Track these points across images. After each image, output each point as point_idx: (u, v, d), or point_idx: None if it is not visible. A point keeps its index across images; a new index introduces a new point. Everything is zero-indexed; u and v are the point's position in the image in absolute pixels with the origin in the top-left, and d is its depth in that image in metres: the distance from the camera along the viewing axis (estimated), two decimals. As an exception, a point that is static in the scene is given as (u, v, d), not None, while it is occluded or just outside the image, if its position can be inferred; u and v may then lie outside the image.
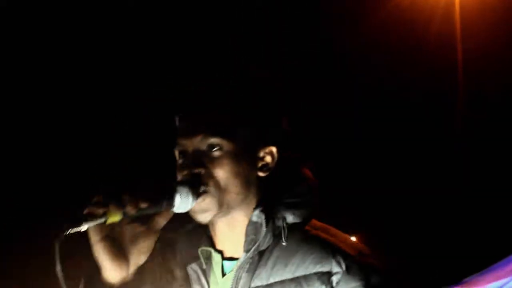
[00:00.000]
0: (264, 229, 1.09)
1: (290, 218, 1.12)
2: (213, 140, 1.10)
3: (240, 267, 1.09)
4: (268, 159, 1.14)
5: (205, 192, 1.10)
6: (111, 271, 1.07)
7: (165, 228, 1.14)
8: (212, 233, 1.17)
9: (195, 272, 1.16)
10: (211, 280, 1.14)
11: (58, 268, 0.96)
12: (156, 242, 1.12)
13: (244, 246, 1.10)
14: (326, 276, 1.05)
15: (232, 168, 1.11)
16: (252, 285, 1.09)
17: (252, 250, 1.09)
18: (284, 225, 1.11)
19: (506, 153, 8.15)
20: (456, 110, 7.86)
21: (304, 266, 1.05)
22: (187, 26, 7.00)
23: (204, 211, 1.11)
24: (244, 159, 1.12)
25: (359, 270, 1.05)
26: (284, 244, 1.08)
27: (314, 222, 1.15)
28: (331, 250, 1.07)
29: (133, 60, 7.26)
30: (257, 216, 1.10)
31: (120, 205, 1.05)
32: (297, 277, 1.06)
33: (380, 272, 1.06)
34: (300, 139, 1.18)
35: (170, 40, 7.09)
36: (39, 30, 7.05)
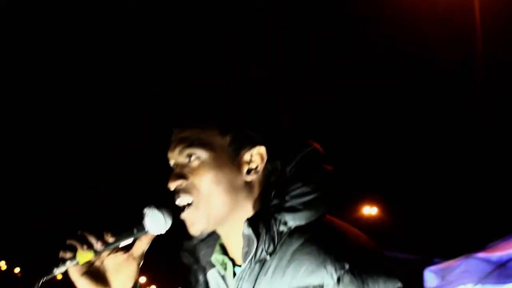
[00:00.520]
0: (255, 241, 1.03)
1: (291, 223, 1.05)
2: (189, 150, 1.08)
3: (239, 278, 1.06)
4: (257, 160, 1.08)
5: (189, 204, 1.08)
6: None
7: (188, 237, 1.13)
8: (224, 241, 1.14)
9: (214, 278, 1.16)
10: (230, 286, 1.13)
11: None
12: (138, 266, 1.12)
13: (242, 258, 1.06)
14: None
15: (212, 176, 1.07)
16: None
17: (247, 262, 1.05)
18: (281, 230, 1.05)
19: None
20: (475, 80, 7.40)
21: (298, 276, 1.00)
22: (187, 26, 7.19)
23: (192, 223, 1.09)
24: (226, 165, 1.08)
25: (351, 281, 0.97)
26: (267, 258, 1.04)
27: (326, 220, 1.07)
28: (323, 259, 0.99)
29: (133, 60, 7.38)
30: (246, 229, 1.04)
31: (87, 245, 1.06)
32: None
33: (375, 281, 0.97)
34: (305, 132, 1.14)
35: (169, 40, 7.21)
36: (39, 30, 7.22)
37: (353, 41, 8.00)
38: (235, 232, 1.07)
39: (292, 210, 1.05)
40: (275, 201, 1.06)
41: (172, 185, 1.07)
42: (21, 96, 7.53)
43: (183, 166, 1.08)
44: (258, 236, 1.03)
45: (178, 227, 1.11)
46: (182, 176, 1.07)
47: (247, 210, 1.08)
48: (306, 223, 1.05)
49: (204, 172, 1.07)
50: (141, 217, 1.08)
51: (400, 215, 9.58)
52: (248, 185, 1.08)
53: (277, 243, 1.04)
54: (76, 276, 1.07)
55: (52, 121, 7.88)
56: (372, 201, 10.75)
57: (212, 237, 1.15)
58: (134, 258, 1.11)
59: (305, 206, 1.05)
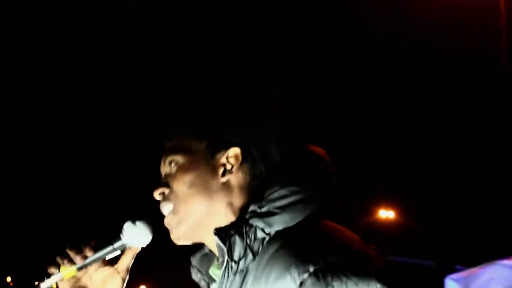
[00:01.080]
0: (225, 251, 1.02)
1: (268, 228, 1.02)
2: (170, 158, 1.10)
3: None
4: (232, 162, 1.08)
5: (170, 211, 1.10)
6: None
7: (194, 253, 1.16)
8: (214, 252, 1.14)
9: None
10: None
11: None
12: (124, 281, 1.16)
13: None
14: None
15: (187, 179, 1.08)
16: None
17: (221, 274, 1.03)
18: (260, 237, 1.02)
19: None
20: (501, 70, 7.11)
21: (269, 284, 0.97)
22: (187, 26, 7.05)
23: (171, 229, 1.10)
24: (202, 167, 1.08)
25: (312, 284, 0.92)
26: (249, 267, 1.02)
27: (314, 223, 1.03)
28: (289, 263, 0.95)
29: (133, 60, 7.28)
30: (215, 238, 1.03)
31: (68, 260, 1.11)
32: None
33: (342, 283, 0.91)
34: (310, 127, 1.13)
35: (169, 40, 7.12)
36: (39, 30, 7.09)
37: (362, 38, 7.91)
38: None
39: (268, 214, 1.03)
40: (252, 207, 1.04)
41: (155, 194, 1.10)
42: (21, 96, 7.48)
43: (167, 175, 1.11)
44: (228, 245, 1.02)
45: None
46: (165, 184, 1.09)
47: (227, 216, 1.07)
48: (286, 227, 1.02)
49: (180, 175, 1.08)
50: (120, 231, 1.11)
51: (420, 219, 9.38)
52: (225, 188, 1.08)
53: (257, 251, 1.02)
54: None
55: (52, 121, 7.71)
56: (388, 204, 10.53)
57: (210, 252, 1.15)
58: (119, 272, 1.15)
59: (283, 210, 1.03)
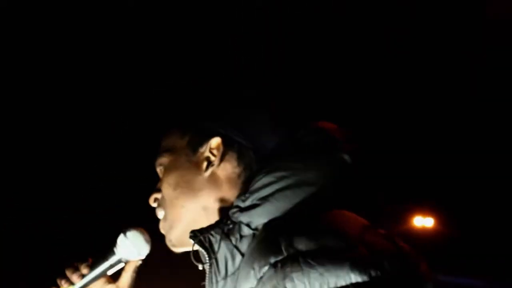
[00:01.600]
0: (205, 254, 0.95)
1: (253, 223, 0.94)
2: (157, 161, 1.08)
3: None
4: (215, 153, 1.03)
5: (162, 216, 1.07)
6: None
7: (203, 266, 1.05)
8: None
9: None
10: None
11: None
12: None
13: None
14: None
15: (170, 181, 1.05)
16: None
17: (207, 280, 0.97)
18: (246, 234, 0.93)
19: None
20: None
21: (240, 283, 0.89)
22: (187, 26, 6.94)
23: (165, 235, 1.07)
24: (185, 165, 1.04)
25: (269, 278, 0.82)
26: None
27: (311, 211, 0.90)
28: (254, 258, 0.86)
29: (133, 60, 7.21)
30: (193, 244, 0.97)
31: (66, 279, 1.11)
32: None
33: (303, 275, 0.78)
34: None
35: (169, 41, 7.03)
36: (39, 30, 6.99)
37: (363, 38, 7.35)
38: None
39: (252, 207, 0.96)
40: (236, 201, 0.99)
41: (150, 202, 1.10)
42: (21, 96, 7.33)
43: (160, 179, 1.10)
44: (208, 247, 0.95)
45: None
46: (157, 189, 1.08)
47: (221, 213, 1.01)
48: (272, 218, 0.94)
49: (165, 178, 1.06)
50: (113, 244, 1.10)
51: (462, 228, 8.55)
52: (212, 182, 1.03)
53: (245, 249, 0.95)
54: None
55: (51, 121, 7.53)
56: (426, 209, 9.55)
57: None
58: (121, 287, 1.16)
59: (266, 200, 0.95)
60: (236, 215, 0.95)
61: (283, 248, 0.82)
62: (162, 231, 1.06)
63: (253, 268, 0.84)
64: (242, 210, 0.95)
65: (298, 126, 1.02)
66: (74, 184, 7.47)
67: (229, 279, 0.94)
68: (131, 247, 1.09)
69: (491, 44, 7.45)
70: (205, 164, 1.03)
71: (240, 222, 0.94)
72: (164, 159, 1.07)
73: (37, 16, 7.01)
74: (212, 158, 1.02)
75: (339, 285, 0.78)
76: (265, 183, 0.95)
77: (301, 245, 0.81)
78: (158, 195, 1.06)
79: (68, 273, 1.11)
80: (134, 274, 1.13)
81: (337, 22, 7.34)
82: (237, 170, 1.01)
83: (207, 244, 0.93)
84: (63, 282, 1.11)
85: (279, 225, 0.90)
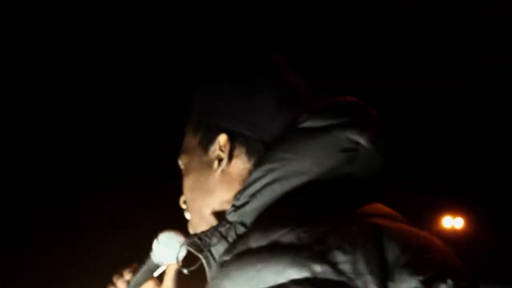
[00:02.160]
0: (203, 261, 0.93)
1: (247, 222, 0.91)
2: (179, 160, 1.09)
3: None
4: (224, 150, 1.00)
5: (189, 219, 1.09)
6: None
7: None
8: None
9: None
10: None
11: None
12: None
13: None
14: None
15: (188, 184, 1.05)
16: None
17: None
18: (240, 233, 0.90)
19: None
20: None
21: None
22: (187, 26, 7.18)
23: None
24: (198, 167, 1.03)
25: (215, 276, 0.83)
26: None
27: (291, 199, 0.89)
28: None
29: (133, 60, 7.46)
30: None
31: (114, 286, 1.17)
32: None
33: (241, 273, 0.77)
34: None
35: (169, 40, 7.25)
36: (39, 30, 7.26)
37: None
38: None
39: (242, 206, 0.95)
40: (233, 200, 0.97)
41: (180, 204, 1.11)
42: (21, 96, 7.68)
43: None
44: (205, 251, 0.94)
45: None
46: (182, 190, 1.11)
47: None
48: (259, 215, 0.92)
49: (184, 180, 1.08)
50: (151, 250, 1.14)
51: (497, 229, 8.16)
52: (225, 181, 1.02)
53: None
54: None
55: (51, 121, 7.94)
56: (455, 209, 9.16)
57: None
58: None
59: (253, 196, 0.94)
60: (231, 215, 0.95)
61: (237, 246, 0.84)
62: (190, 232, 1.08)
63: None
64: (236, 209, 0.95)
65: (304, 108, 0.98)
66: (76, 183, 7.62)
67: None
68: (165, 250, 1.11)
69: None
70: (216, 163, 1.02)
71: (234, 222, 0.94)
72: (182, 160, 1.08)
73: (37, 16, 7.22)
74: (222, 155, 1.01)
75: (279, 282, 0.74)
76: (255, 178, 0.94)
77: (254, 242, 0.82)
78: (183, 197, 1.09)
79: (114, 279, 1.17)
80: (175, 276, 1.16)
81: (339, 22, 7.43)
82: (248, 165, 1.00)
83: (202, 247, 0.93)
84: (118, 281, 1.18)
85: (255, 222, 0.91)
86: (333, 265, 0.73)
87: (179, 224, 1.16)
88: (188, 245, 0.94)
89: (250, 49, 1.08)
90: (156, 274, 1.18)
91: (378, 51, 7.75)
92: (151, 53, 7.30)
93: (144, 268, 1.16)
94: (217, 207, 1.00)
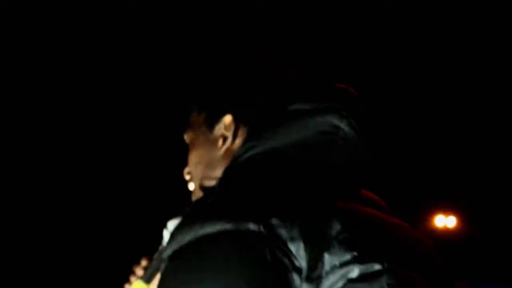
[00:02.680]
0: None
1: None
2: (184, 135, 1.14)
3: None
4: (229, 130, 1.05)
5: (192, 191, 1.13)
6: None
7: None
8: None
9: None
10: None
11: None
12: None
13: None
14: None
15: (192, 159, 1.09)
16: None
17: None
18: None
19: None
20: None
21: None
22: (187, 26, 7.24)
23: None
24: (203, 144, 1.08)
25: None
26: None
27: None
28: None
29: (133, 60, 7.51)
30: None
31: (133, 274, 1.20)
32: None
33: (184, 233, 0.81)
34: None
35: (170, 40, 7.31)
36: (39, 30, 7.36)
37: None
38: None
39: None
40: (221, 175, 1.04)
41: (184, 175, 1.14)
42: (21, 96, 7.74)
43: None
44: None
45: None
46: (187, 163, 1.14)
47: None
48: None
49: (189, 155, 1.11)
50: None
51: (489, 228, 8.15)
52: (226, 158, 1.06)
53: None
54: None
55: (51, 121, 7.99)
56: (448, 208, 9.15)
57: None
58: None
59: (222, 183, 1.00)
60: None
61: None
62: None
63: None
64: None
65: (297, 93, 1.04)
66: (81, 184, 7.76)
67: None
68: None
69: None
70: (221, 141, 1.06)
71: None
72: (188, 135, 1.12)
73: (37, 16, 7.27)
74: (227, 134, 1.05)
75: (208, 232, 0.78)
76: (238, 154, 0.99)
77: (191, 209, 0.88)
78: (187, 169, 1.14)
79: (134, 267, 1.21)
80: None
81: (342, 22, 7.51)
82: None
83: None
84: (132, 277, 1.23)
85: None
86: (271, 227, 0.76)
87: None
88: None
89: (250, 43, 1.20)
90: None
91: (377, 51, 7.85)
92: (150, 53, 7.36)
93: (158, 255, 1.20)
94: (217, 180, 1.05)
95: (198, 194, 1.09)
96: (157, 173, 7.39)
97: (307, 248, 0.77)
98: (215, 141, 1.07)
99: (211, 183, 1.07)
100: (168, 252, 0.82)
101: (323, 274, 0.77)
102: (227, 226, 0.77)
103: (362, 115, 0.96)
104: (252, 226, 0.76)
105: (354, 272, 0.77)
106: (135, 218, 7.23)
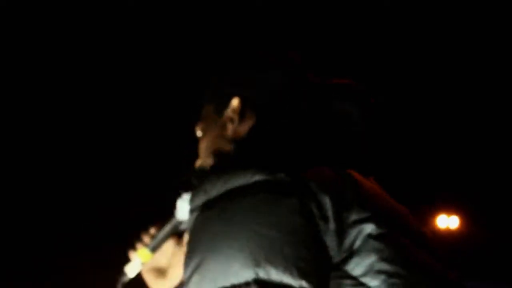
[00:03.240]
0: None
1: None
2: (196, 128, 1.18)
3: None
4: (236, 112, 1.08)
5: None
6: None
7: None
8: None
9: None
10: None
11: None
12: None
13: None
14: None
15: (203, 144, 1.13)
16: None
17: None
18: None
19: None
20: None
21: None
22: (187, 26, 7.38)
23: None
24: (213, 130, 1.11)
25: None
26: None
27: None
28: None
29: (133, 60, 7.63)
30: None
31: (140, 241, 1.22)
32: None
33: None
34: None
35: (170, 40, 7.45)
36: (39, 30, 7.53)
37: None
38: None
39: None
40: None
41: (196, 166, 1.17)
42: (21, 96, 7.91)
43: None
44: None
45: None
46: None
47: None
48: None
49: (200, 144, 1.14)
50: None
51: (492, 228, 8.09)
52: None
53: None
54: (143, 271, 1.26)
55: (52, 121, 8.10)
56: (450, 208, 9.06)
57: None
58: (183, 250, 1.20)
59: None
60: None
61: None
62: None
63: None
64: None
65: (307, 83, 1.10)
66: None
67: None
68: (188, 209, 1.13)
69: None
70: (229, 124, 1.09)
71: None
72: (199, 126, 1.16)
73: (37, 16, 7.38)
74: (234, 117, 1.08)
75: (252, 180, 0.84)
76: (248, 131, 1.07)
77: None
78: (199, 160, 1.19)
79: (142, 235, 1.25)
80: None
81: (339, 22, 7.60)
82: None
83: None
84: (138, 244, 1.24)
85: None
86: (301, 179, 0.84)
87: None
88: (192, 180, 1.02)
89: (251, 41, 1.19)
90: (178, 230, 1.25)
91: (377, 51, 7.87)
92: (150, 53, 7.43)
93: (168, 225, 1.24)
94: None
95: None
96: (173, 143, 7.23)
97: (332, 203, 0.84)
98: (223, 125, 1.10)
99: None
100: (197, 202, 0.88)
101: (346, 228, 0.83)
102: (261, 177, 0.83)
103: (372, 105, 1.03)
104: (284, 177, 0.83)
105: (371, 229, 0.84)
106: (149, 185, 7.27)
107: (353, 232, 0.84)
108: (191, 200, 0.92)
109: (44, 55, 7.57)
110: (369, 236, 0.84)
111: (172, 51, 7.29)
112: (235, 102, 1.09)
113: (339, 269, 0.85)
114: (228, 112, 1.10)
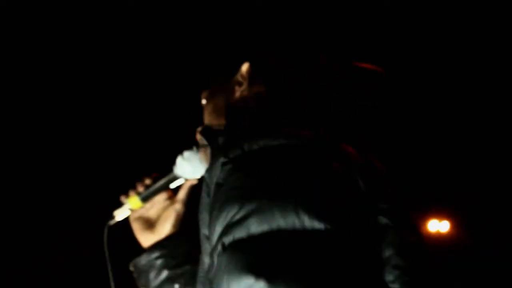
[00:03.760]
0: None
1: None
2: (202, 95, 1.20)
3: None
4: (245, 76, 1.12)
5: None
6: (143, 240, 1.29)
7: None
8: None
9: None
10: None
11: (106, 251, 1.23)
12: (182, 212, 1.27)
13: None
14: None
15: (209, 108, 1.14)
16: None
17: None
18: None
19: None
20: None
21: None
22: (187, 26, 7.34)
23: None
24: (219, 94, 1.13)
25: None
26: None
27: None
28: None
29: (133, 60, 7.61)
30: None
31: (134, 189, 1.29)
32: None
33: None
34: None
35: (170, 40, 7.41)
36: (39, 30, 7.39)
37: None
38: None
39: None
40: None
41: (197, 137, 1.22)
42: (21, 96, 7.83)
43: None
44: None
45: None
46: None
47: None
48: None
49: (205, 108, 1.16)
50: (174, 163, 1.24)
51: (483, 233, 8.06)
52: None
53: None
54: (131, 219, 1.34)
55: (52, 121, 8.07)
56: (441, 212, 8.96)
57: None
58: (173, 203, 1.30)
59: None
60: None
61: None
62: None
63: None
64: None
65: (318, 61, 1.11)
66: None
67: None
68: (187, 166, 1.18)
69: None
70: (236, 87, 1.10)
71: None
72: (204, 94, 1.16)
73: (37, 16, 7.23)
74: (242, 80, 1.09)
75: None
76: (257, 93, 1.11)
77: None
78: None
79: (136, 184, 1.26)
80: (190, 192, 1.25)
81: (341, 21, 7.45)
82: (262, 90, 1.08)
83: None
84: (131, 191, 1.27)
85: None
86: (328, 143, 0.86)
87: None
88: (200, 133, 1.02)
89: (251, 42, 1.21)
90: (173, 186, 1.28)
91: (377, 51, 7.45)
92: (150, 53, 7.43)
93: (164, 178, 1.26)
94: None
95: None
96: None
97: (360, 173, 0.86)
98: (231, 89, 1.11)
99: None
100: (222, 160, 0.86)
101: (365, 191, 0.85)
102: (291, 141, 0.83)
103: (385, 88, 1.10)
104: (311, 141, 0.84)
105: (387, 221, 0.86)
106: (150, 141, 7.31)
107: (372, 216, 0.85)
108: (224, 153, 0.87)
109: (44, 55, 7.54)
110: (387, 227, 0.85)
111: (172, 51, 7.32)
112: (245, 67, 1.11)
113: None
114: (237, 76, 1.11)
